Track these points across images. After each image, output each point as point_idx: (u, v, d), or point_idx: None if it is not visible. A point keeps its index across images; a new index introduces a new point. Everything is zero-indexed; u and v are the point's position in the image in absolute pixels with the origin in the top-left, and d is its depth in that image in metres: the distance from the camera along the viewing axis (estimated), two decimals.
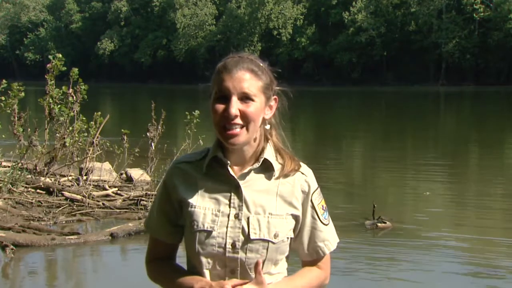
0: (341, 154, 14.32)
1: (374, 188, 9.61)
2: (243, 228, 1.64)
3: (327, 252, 1.77)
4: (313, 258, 1.76)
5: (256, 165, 1.68)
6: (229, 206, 1.65)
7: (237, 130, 1.60)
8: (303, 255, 1.76)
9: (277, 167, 1.70)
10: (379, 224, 6.69)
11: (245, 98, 1.61)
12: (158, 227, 1.74)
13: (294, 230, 1.71)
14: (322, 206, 1.76)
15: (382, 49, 62.54)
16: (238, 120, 1.60)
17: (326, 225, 1.76)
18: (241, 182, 1.66)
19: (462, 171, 11.55)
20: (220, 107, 1.61)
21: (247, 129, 1.62)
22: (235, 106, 1.59)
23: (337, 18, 65.32)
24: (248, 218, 1.64)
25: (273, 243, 1.65)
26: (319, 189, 1.76)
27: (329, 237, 1.76)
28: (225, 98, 1.61)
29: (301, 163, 1.76)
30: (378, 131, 19.66)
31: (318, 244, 1.75)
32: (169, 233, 1.72)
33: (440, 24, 60.49)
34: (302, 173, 1.74)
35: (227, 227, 1.64)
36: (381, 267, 5.48)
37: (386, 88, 54.31)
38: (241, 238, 1.63)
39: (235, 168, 1.68)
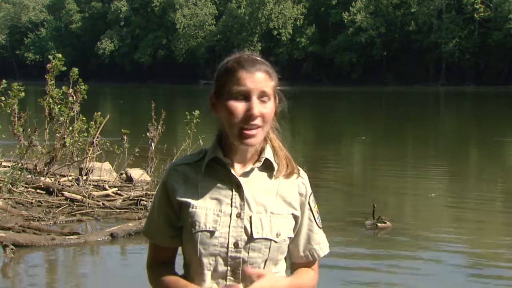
0: (341, 154, 14.32)
1: (374, 188, 9.61)
2: (245, 228, 1.63)
3: (321, 255, 1.78)
4: (307, 261, 1.77)
5: (258, 164, 1.69)
6: (231, 206, 1.65)
7: (255, 131, 1.60)
8: (297, 257, 1.77)
9: (276, 167, 1.71)
10: (379, 224, 6.69)
11: (262, 98, 1.61)
12: (159, 233, 1.73)
13: (293, 230, 1.72)
14: (317, 210, 1.78)
15: (382, 49, 62.60)
16: (258, 121, 1.60)
17: (320, 228, 1.78)
18: (242, 181, 1.66)
19: (462, 171, 11.55)
20: (240, 106, 1.59)
21: (262, 129, 1.63)
22: (257, 106, 1.59)
23: (337, 18, 65.39)
24: (250, 217, 1.64)
25: (276, 242, 1.65)
26: (313, 194, 1.77)
27: (323, 241, 1.78)
28: (243, 98, 1.60)
29: (298, 167, 1.77)
30: (378, 131, 19.67)
31: (313, 246, 1.76)
32: (170, 237, 1.71)
33: (440, 24, 60.55)
34: (300, 176, 1.75)
35: (229, 227, 1.63)
36: (381, 267, 5.48)
37: (386, 88, 54.33)
38: (244, 237, 1.63)
39: (236, 167, 1.68)
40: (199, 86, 52.68)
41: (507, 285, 5.11)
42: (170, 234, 1.71)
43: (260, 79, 1.60)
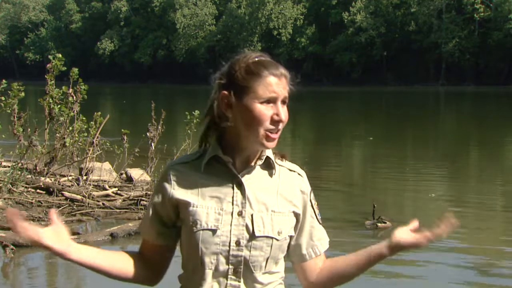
0: (341, 154, 14.32)
1: (374, 188, 9.61)
2: (247, 226, 1.63)
3: (322, 250, 1.78)
4: (310, 258, 1.76)
5: (259, 162, 1.69)
6: (232, 204, 1.64)
7: (277, 135, 1.63)
8: (299, 255, 1.76)
9: (277, 165, 1.72)
10: (379, 224, 6.69)
11: (283, 102, 1.63)
12: (148, 228, 1.73)
13: (294, 229, 1.72)
14: (317, 206, 1.78)
15: (382, 49, 62.61)
16: (281, 125, 1.63)
17: (321, 224, 1.79)
18: (243, 179, 1.66)
19: (462, 172, 11.56)
20: (268, 111, 1.60)
21: (280, 132, 1.65)
22: (284, 112, 1.62)
23: (337, 18, 65.40)
24: (251, 216, 1.64)
25: (277, 240, 1.65)
26: (312, 191, 1.78)
27: (324, 236, 1.79)
28: (269, 102, 1.61)
29: (295, 165, 1.77)
30: (378, 131, 19.67)
31: (315, 243, 1.76)
32: (158, 234, 1.71)
33: (440, 24, 60.55)
34: (299, 174, 1.75)
35: (231, 225, 1.63)
36: (381, 267, 5.48)
37: (386, 88, 54.33)
38: (246, 235, 1.63)
39: (237, 165, 1.68)
40: (205, 87, 52.42)
41: (507, 285, 5.11)
42: (160, 232, 1.70)
43: (284, 84, 1.63)
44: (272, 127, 1.61)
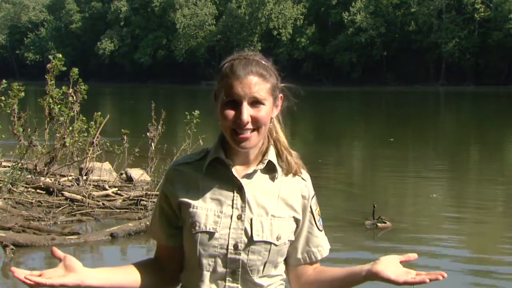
0: (341, 154, 14.32)
1: (374, 188, 9.61)
2: (245, 230, 1.62)
3: (319, 257, 1.76)
4: (305, 263, 1.75)
5: (261, 166, 1.67)
6: (232, 207, 1.64)
7: (248, 133, 1.59)
8: (294, 259, 1.74)
9: (279, 168, 1.70)
10: (379, 224, 6.69)
11: (255, 102, 1.59)
12: (157, 230, 1.73)
13: (294, 233, 1.70)
14: (319, 212, 1.76)
15: (382, 49, 62.59)
16: (250, 126, 1.59)
17: (321, 231, 1.76)
18: (244, 183, 1.65)
19: (462, 172, 11.55)
20: (231, 113, 1.58)
21: (258, 132, 1.61)
22: (247, 112, 1.58)
23: (337, 18, 65.39)
24: (251, 220, 1.63)
25: (276, 245, 1.64)
26: (315, 196, 1.76)
27: (322, 243, 1.76)
28: (234, 103, 1.59)
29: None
30: (378, 131, 19.67)
31: (311, 249, 1.74)
32: (169, 236, 1.71)
33: (440, 24, 60.53)
34: (303, 179, 1.73)
35: (229, 228, 1.62)
36: None
37: (386, 88, 54.31)
38: (244, 239, 1.62)
39: (238, 168, 1.67)
40: (201, 86, 52.56)
41: (507, 286, 5.11)
42: (170, 233, 1.70)
43: (250, 84, 1.58)
44: (235, 127, 1.59)
